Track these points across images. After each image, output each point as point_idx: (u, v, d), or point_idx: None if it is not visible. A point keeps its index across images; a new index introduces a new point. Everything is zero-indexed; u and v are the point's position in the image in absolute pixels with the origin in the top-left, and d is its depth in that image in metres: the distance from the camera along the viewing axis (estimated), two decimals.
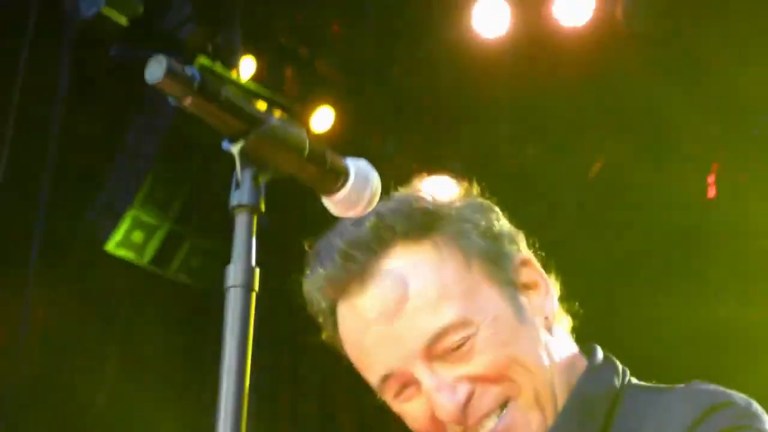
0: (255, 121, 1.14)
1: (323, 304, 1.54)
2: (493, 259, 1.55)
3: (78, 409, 5.45)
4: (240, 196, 1.15)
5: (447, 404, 1.44)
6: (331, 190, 1.25)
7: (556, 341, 1.59)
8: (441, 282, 1.49)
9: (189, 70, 1.09)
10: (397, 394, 1.51)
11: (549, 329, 1.59)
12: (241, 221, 1.16)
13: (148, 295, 5.46)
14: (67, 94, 4.95)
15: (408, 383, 1.48)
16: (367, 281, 1.49)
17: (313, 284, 1.54)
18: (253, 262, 1.15)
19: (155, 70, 1.07)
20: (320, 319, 1.58)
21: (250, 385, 1.15)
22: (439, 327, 1.43)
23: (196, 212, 5.44)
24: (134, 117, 5.16)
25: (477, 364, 1.45)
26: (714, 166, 5.74)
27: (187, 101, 1.12)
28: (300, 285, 1.62)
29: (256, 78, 5.29)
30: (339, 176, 1.25)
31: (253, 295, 1.15)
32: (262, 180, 1.18)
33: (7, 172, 4.53)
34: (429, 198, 1.59)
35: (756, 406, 1.48)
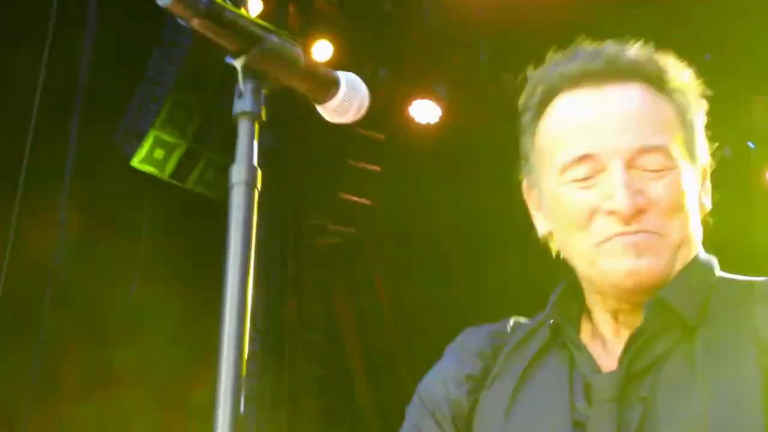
0: (256, 39, 1.26)
1: (551, 87, 1.58)
2: (692, 140, 1.59)
3: (105, 309, 5.92)
4: (242, 104, 1.26)
5: (624, 199, 1.46)
6: (324, 99, 1.37)
7: (699, 231, 1.64)
8: (663, 120, 1.54)
9: None
10: (581, 177, 1.54)
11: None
12: (243, 127, 1.26)
13: (168, 206, 5.99)
14: (96, 27, 5.41)
15: (598, 171, 1.51)
16: (615, 85, 1.53)
17: (558, 70, 1.58)
18: (255, 163, 1.25)
19: None
20: (531, 102, 1.61)
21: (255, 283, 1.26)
22: (656, 143, 1.49)
23: (211, 132, 5.87)
24: (154, 49, 5.68)
25: (657, 191, 1.49)
26: None
27: (195, 22, 1.23)
28: None
29: (261, 16, 5.55)
30: (330, 86, 1.37)
31: (256, 192, 1.24)
32: (263, 91, 1.29)
33: (43, 96, 5.01)
34: (689, 79, 1.62)
35: None
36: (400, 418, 1.78)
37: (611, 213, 1.47)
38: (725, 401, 1.45)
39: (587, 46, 1.59)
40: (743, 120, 5.48)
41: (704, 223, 1.65)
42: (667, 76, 1.56)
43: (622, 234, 1.47)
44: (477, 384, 1.68)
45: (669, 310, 1.51)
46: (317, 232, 6.47)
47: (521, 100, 1.61)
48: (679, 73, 1.58)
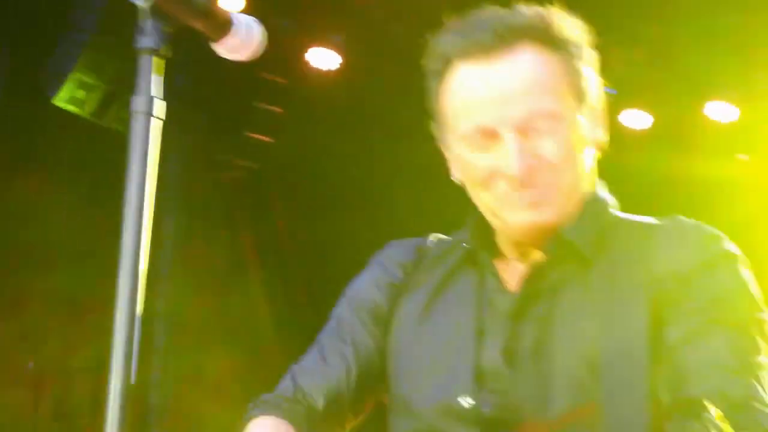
0: None
1: (447, 57, 1.64)
2: (584, 89, 1.69)
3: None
4: (144, 41, 1.34)
5: (517, 165, 1.55)
6: (219, 37, 1.41)
7: (593, 167, 1.73)
8: (553, 82, 1.62)
9: None
10: (478, 146, 1.62)
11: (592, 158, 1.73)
12: (144, 61, 1.33)
13: (89, 143, 6.34)
14: None
15: (494, 139, 1.58)
16: (502, 55, 1.58)
17: (453, 43, 1.64)
18: (154, 94, 1.32)
19: None
20: (432, 68, 1.68)
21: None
22: (539, 108, 1.57)
23: (127, 74, 6.24)
24: None
25: (549, 149, 1.58)
26: None
27: None
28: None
29: None
30: (225, 25, 1.41)
31: (155, 121, 1.32)
32: (163, 29, 1.34)
33: None
34: (565, 22, 1.69)
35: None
36: (301, 344, 1.91)
37: (508, 177, 1.57)
38: (615, 331, 1.55)
39: (480, 13, 1.65)
40: (604, 68, 6.03)
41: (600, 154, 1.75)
42: (554, 31, 1.63)
43: (520, 193, 1.59)
44: (397, 291, 1.81)
45: (567, 244, 1.62)
46: (224, 167, 6.80)
47: (424, 64, 1.70)
48: (566, 24, 1.66)
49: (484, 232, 1.72)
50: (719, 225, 1.68)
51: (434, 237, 1.87)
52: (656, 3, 5.96)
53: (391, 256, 1.88)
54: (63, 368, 5.72)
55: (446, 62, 1.63)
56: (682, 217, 1.68)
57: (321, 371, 1.73)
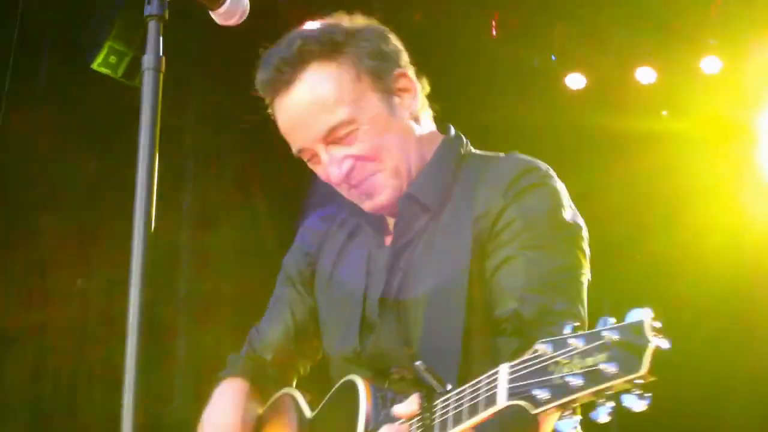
0: None
1: (266, 98, 1.87)
2: (377, 74, 1.78)
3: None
4: (150, 9, 1.47)
5: (335, 173, 1.73)
6: (215, 7, 1.57)
7: (420, 127, 1.84)
8: (338, 92, 1.74)
9: None
10: (309, 160, 1.84)
11: (416, 119, 1.86)
12: (151, 26, 1.46)
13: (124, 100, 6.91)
14: None
15: (314, 155, 1.80)
16: (291, 87, 1.75)
17: (260, 84, 1.86)
18: (161, 53, 1.44)
19: None
20: (267, 107, 1.89)
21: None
22: (333, 123, 1.72)
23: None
24: None
25: (358, 148, 1.74)
26: None
27: None
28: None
29: None
30: None
31: (161, 75, 1.44)
32: None
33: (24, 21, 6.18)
34: (339, 26, 1.83)
35: (552, 170, 1.79)
36: None
37: (335, 183, 1.77)
38: (444, 270, 1.69)
39: (267, 53, 1.84)
40: (548, 40, 6.54)
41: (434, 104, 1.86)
42: (337, 40, 1.76)
43: (352, 191, 1.78)
44: (313, 258, 2.03)
45: (415, 201, 1.77)
46: (233, 119, 7.43)
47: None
48: (349, 30, 1.79)
49: None
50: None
51: (339, 203, 2.02)
52: None
53: (308, 227, 2.12)
54: (106, 284, 6.44)
55: (266, 94, 1.88)
56: (514, 154, 1.83)
57: (269, 332, 2.02)
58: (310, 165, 1.88)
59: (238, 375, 1.96)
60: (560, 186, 1.78)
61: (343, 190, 1.85)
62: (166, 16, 1.51)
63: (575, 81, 6.78)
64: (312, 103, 1.75)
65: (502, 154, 1.87)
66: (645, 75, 6.68)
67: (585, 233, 1.74)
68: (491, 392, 1.27)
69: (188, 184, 7.47)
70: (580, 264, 1.69)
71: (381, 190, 1.79)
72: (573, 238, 1.70)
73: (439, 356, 1.57)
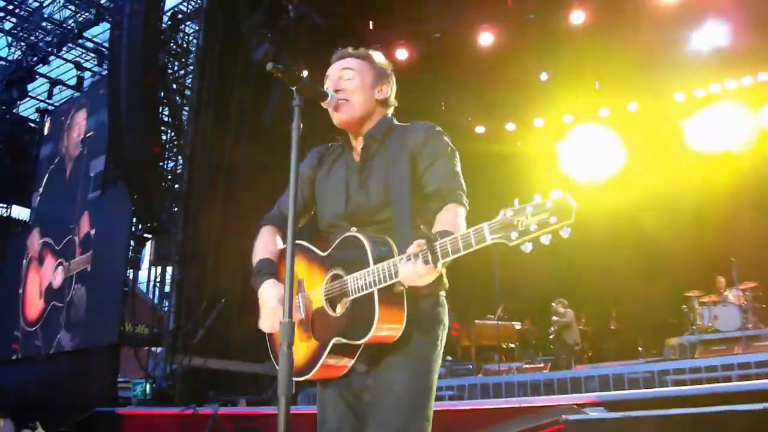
0: None
1: (332, 61, 2.88)
2: (376, 76, 2.86)
3: None
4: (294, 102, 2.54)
5: (335, 87, 2.79)
6: (323, 100, 2.73)
7: (382, 108, 2.91)
8: (363, 70, 2.85)
9: None
10: (328, 84, 2.82)
11: (382, 104, 2.90)
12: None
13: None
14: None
15: (332, 81, 2.85)
16: (342, 60, 2.87)
17: (334, 56, 2.88)
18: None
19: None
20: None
21: None
22: (349, 67, 2.82)
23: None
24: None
25: (349, 88, 2.81)
26: None
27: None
28: None
29: None
30: (324, 97, 2.74)
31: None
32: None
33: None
34: (375, 56, 2.92)
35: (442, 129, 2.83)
36: None
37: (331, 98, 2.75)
38: (395, 177, 2.64)
39: (338, 52, 2.93)
40: None
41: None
42: (368, 56, 2.89)
43: (333, 114, 2.80)
44: (317, 166, 2.96)
45: (372, 137, 2.79)
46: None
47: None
48: (372, 55, 2.89)
49: (346, 136, 2.89)
50: None
51: (332, 143, 3.00)
52: None
53: (314, 152, 3.04)
54: None
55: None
56: (420, 121, 2.87)
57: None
58: (327, 82, 2.86)
59: (270, 223, 2.95)
60: (445, 133, 2.80)
61: (331, 111, 2.83)
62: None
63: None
64: (351, 66, 2.86)
65: (418, 122, 2.90)
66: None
67: (457, 155, 2.77)
68: (479, 235, 2.12)
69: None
70: (457, 167, 2.75)
71: (347, 112, 2.81)
72: (455, 156, 2.76)
73: (401, 209, 2.63)
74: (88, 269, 16.87)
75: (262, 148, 13.97)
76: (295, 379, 2.42)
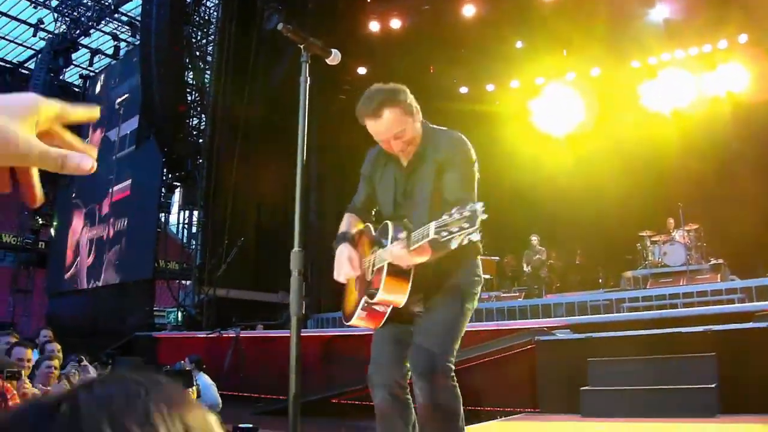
0: None
1: (359, 118, 2.72)
2: (408, 110, 2.70)
3: None
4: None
5: (397, 149, 2.75)
6: (328, 57, 2.74)
7: (417, 122, 2.80)
8: (398, 120, 2.68)
9: None
10: (383, 142, 2.75)
11: (417, 121, 2.80)
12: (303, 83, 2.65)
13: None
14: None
15: (386, 141, 2.75)
16: (377, 119, 2.68)
17: (359, 111, 2.71)
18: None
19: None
20: (359, 119, 2.73)
21: None
22: (396, 132, 2.70)
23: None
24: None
25: (404, 140, 2.74)
26: None
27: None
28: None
29: None
30: (329, 54, 2.75)
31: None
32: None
33: None
34: (394, 89, 2.72)
35: (465, 137, 2.83)
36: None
37: (383, 141, 2.78)
38: (426, 182, 2.78)
39: (368, 93, 2.72)
40: None
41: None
42: (394, 99, 2.71)
43: (396, 152, 2.81)
44: (372, 171, 3.04)
45: (419, 153, 2.83)
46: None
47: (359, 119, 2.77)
48: (398, 90, 2.73)
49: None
50: None
51: (382, 149, 2.93)
52: None
53: (371, 154, 3.07)
54: None
55: (360, 120, 2.77)
56: (450, 130, 2.90)
57: (358, 198, 3.09)
58: (382, 144, 2.83)
59: (350, 212, 3.08)
60: (470, 145, 2.83)
61: (396, 152, 2.86)
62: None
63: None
64: (386, 124, 2.73)
65: (444, 128, 2.93)
66: None
67: (476, 167, 2.81)
68: (426, 231, 2.32)
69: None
70: (474, 181, 2.79)
71: (407, 153, 2.87)
72: (473, 170, 2.80)
73: (419, 210, 2.76)
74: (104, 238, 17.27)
75: (275, 109, 14.19)
76: (346, 323, 2.89)
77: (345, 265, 2.76)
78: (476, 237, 2.26)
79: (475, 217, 2.15)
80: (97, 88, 20.02)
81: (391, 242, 2.60)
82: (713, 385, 6.17)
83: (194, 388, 6.26)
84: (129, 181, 17.07)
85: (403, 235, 2.46)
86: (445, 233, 2.19)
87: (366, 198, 3.02)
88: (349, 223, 2.97)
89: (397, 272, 2.60)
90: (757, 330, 6.67)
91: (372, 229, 2.93)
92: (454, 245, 2.23)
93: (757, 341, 6.57)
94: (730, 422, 5.76)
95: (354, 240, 2.88)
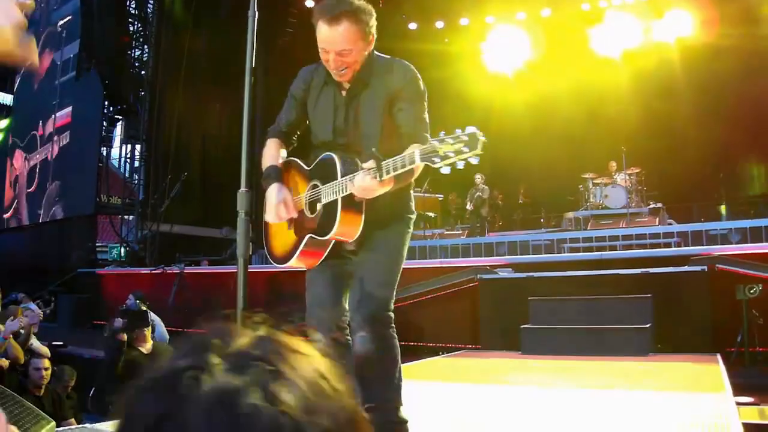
0: None
1: (313, 19, 2.53)
2: (366, 33, 2.55)
3: None
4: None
5: (335, 66, 2.56)
6: None
7: (370, 50, 2.65)
8: (352, 37, 2.52)
9: None
10: (324, 52, 2.56)
11: (369, 49, 2.65)
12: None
13: None
14: None
15: (327, 53, 2.56)
16: (333, 25, 2.50)
17: (316, 10, 2.53)
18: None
19: None
20: (314, 22, 2.54)
21: None
22: (344, 48, 2.52)
23: None
24: None
25: (347, 60, 2.56)
26: None
27: None
28: None
29: None
30: None
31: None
32: None
33: None
34: (367, 13, 2.57)
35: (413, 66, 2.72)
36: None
37: (332, 68, 2.61)
38: (374, 109, 2.67)
39: (327, 2, 2.54)
40: None
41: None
42: (354, 12, 2.53)
43: (337, 72, 2.63)
44: (306, 88, 2.86)
45: (359, 79, 2.68)
46: None
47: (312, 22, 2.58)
48: (362, 8, 2.55)
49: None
50: None
51: (315, 66, 2.80)
52: None
53: (303, 72, 2.89)
54: None
55: (314, 21, 2.59)
56: (399, 60, 2.78)
57: (284, 118, 2.90)
58: (321, 54, 2.65)
59: (273, 136, 2.93)
60: (419, 75, 2.74)
61: (330, 69, 2.68)
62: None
63: None
64: (340, 36, 2.58)
65: (392, 57, 2.81)
66: None
67: (426, 96, 2.73)
68: (411, 157, 2.27)
69: None
70: (425, 111, 2.73)
71: (347, 75, 2.69)
72: (424, 99, 2.74)
73: (370, 141, 2.66)
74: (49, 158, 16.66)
75: (220, 40, 13.76)
76: (278, 265, 2.83)
77: (280, 209, 2.68)
78: (475, 161, 2.15)
79: (476, 140, 2.11)
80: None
81: (343, 176, 2.52)
82: (648, 325, 6.34)
83: (150, 327, 6.27)
84: (70, 108, 16.59)
85: (369, 164, 2.38)
86: (437, 159, 2.15)
87: (295, 119, 2.87)
88: (274, 154, 2.84)
89: (351, 206, 2.56)
90: (691, 273, 6.87)
91: (301, 162, 2.83)
92: (446, 171, 2.18)
93: (692, 284, 6.79)
94: (660, 360, 5.96)
95: (282, 177, 2.79)
